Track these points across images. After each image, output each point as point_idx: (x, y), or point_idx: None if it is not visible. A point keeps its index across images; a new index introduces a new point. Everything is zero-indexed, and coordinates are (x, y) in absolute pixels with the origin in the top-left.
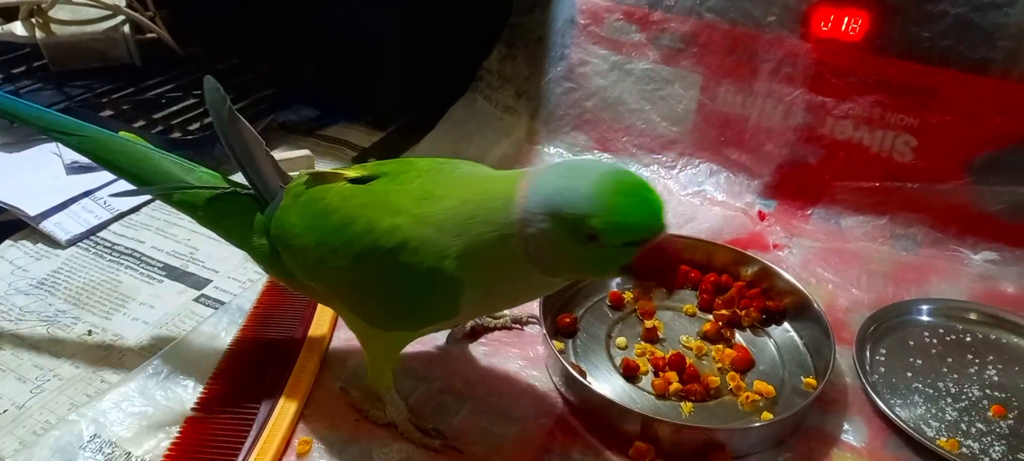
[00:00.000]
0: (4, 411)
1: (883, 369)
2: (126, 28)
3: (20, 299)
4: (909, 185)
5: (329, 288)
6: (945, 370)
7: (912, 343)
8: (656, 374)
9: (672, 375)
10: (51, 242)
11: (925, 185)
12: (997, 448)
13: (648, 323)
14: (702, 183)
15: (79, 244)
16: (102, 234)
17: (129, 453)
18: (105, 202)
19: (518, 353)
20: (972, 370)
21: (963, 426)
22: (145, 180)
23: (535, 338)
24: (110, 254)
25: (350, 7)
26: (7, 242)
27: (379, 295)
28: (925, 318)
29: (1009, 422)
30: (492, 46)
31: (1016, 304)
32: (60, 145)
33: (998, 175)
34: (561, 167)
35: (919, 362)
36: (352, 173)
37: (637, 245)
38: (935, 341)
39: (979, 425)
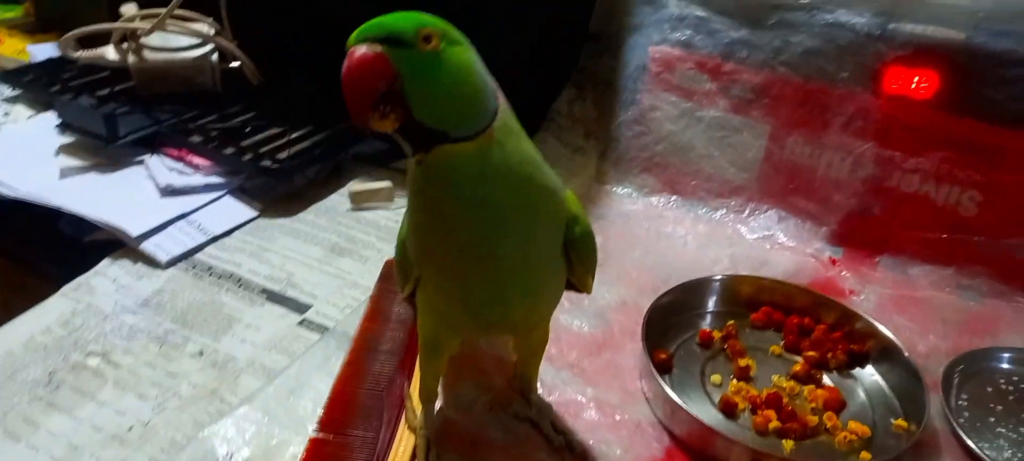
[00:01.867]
0: (130, 428)
1: (967, 414)
2: (214, 57)
3: (129, 318)
4: (974, 238)
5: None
6: None
7: (991, 390)
8: (754, 411)
9: (770, 413)
10: (151, 262)
11: (989, 239)
12: None
13: (742, 362)
14: (771, 228)
15: (178, 265)
16: (199, 256)
17: None
18: (200, 225)
19: (618, 387)
20: None
21: None
22: None
23: (628, 373)
24: (209, 276)
25: None
26: (106, 261)
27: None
28: (1005, 366)
29: None
30: (561, 89)
31: None
32: (152, 166)
33: None
34: None
35: (1000, 407)
36: None
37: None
38: (1011, 388)
39: None
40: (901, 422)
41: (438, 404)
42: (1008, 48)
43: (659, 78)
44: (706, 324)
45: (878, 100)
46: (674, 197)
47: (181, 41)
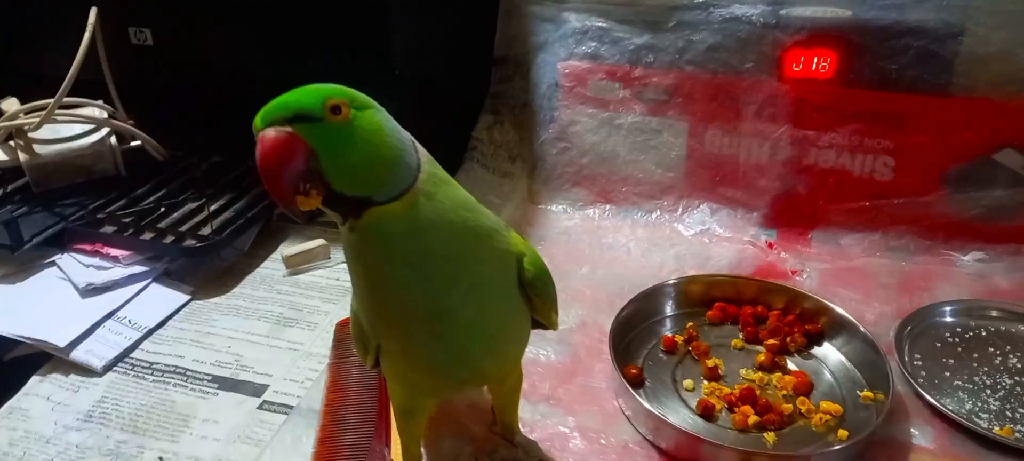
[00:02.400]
0: None
1: (924, 373)
2: (112, 140)
3: (74, 436)
4: (895, 201)
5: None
6: (975, 365)
7: (939, 345)
8: (731, 410)
9: (747, 409)
10: (84, 371)
11: (908, 199)
12: None
13: (709, 363)
14: (706, 222)
15: (115, 369)
16: (136, 354)
17: None
18: (130, 321)
19: (598, 410)
20: (997, 361)
21: (1008, 413)
22: None
23: (603, 394)
24: (151, 374)
25: None
26: (34, 378)
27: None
28: (948, 319)
29: None
30: (477, 117)
31: (1011, 296)
32: (66, 266)
33: (971, 184)
34: None
35: (951, 361)
36: None
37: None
38: (958, 340)
39: (1021, 410)
40: (868, 393)
41: None
42: (895, 20)
43: (573, 92)
44: (667, 330)
45: (784, 84)
46: (608, 206)
47: (72, 130)
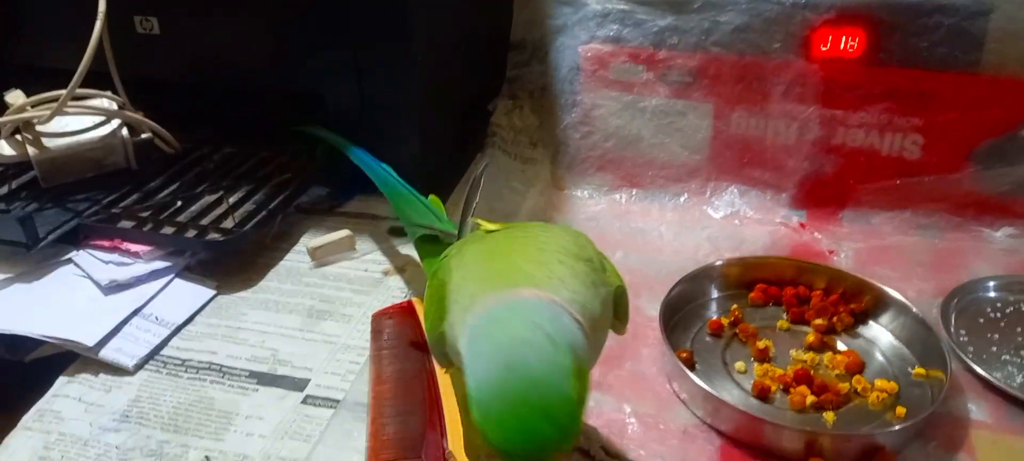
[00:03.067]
0: None
1: (971, 348)
2: (124, 132)
3: (112, 437)
4: (924, 179)
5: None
6: (1020, 339)
7: (982, 320)
8: (786, 391)
9: (803, 389)
10: (114, 371)
11: (937, 177)
12: None
13: (759, 344)
14: (735, 204)
15: (147, 367)
16: (166, 352)
17: None
18: (156, 318)
19: (651, 395)
20: None
21: None
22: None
23: (654, 379)
24: (185, 372)
25: (360, 85)
26: (62, 379)
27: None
28: (991, 294)
29: None
30: (495, 102)
31: None
32: (84, 264)
33: (999, 160)
34: (481, 333)
35: (996, 336)
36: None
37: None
38: (1001, 315)
39: None
40: (920, 370)
41: None
42: None
43: (595, 75)
44: (712, 313)
45: (812, 64)
46: (635, 190)
47: (82, 122)
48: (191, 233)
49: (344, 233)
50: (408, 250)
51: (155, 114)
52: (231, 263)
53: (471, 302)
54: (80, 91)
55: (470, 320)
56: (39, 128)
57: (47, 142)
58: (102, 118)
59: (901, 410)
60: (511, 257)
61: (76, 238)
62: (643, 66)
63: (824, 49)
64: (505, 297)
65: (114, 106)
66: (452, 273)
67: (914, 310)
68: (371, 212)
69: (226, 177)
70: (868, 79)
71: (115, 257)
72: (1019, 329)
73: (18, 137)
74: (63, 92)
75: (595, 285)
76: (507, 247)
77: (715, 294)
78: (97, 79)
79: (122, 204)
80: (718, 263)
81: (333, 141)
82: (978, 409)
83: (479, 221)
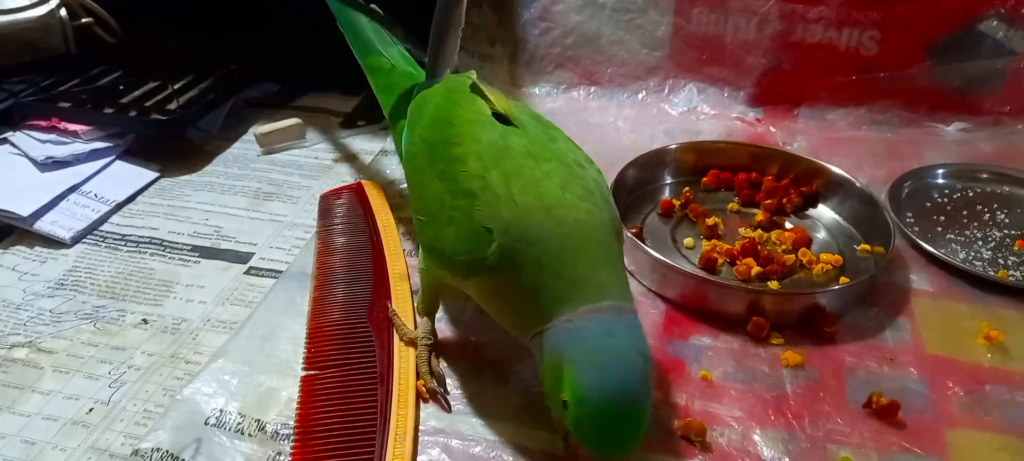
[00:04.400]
0: (90, 410)
1: (917, 228)
2: (63, 12)
3: (46, 302)
4: (880, 75)
5: (409, 184)
6: (965, 221)
7: (929, 204)
8: (733, 264)
9: (750, 261)
10: (51, 243)
11: (893, 72)
12: None
13: (709, 221)
14: (693, 101)
15: (85, 240)
16: (105, 228)
17: (259, 420)
18: (95, 195)
19: None
20: (986, 217)
21: (1000, 260)
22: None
23: None
24: (125, 245)
25: None
26: None
27: (431, 215)
28: (940, 181)
29: None
30: None
31: (994, 160)
32: (20, 142)
33: (955, 55)
34: (591, 348)
35: (943, 217)
36: (499, 106)
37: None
38: (948, 200)
39: (1012, 257)
40: (865, 246)
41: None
42: None
43: None
44: (664, 196)
45: None
46: (593, 88)
47: (18, 1)
48: (133, 113)
49: (293, 121)
50: (360, 143)
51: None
52: (176, 149)
53: (560, 299)
54: None
55: (568, 320)
56: None
57: None
58: None
59: (845, 280)
60: (592, 239)
61: (12, 120)
62: None
63: None
64: (604, 312)
65: None
66: (499, 166)
67: (860, 186)
68: (324, 106)
69: (170, 66)
70: None
71: (53, 137)
72: (965, 212)
73: None
74: None
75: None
76: (588, 216)
77: (669, 180)
78: None
79: (61, 88)
80: (672, 146)
81: None
82: (920, 279)
83: (482, 86)
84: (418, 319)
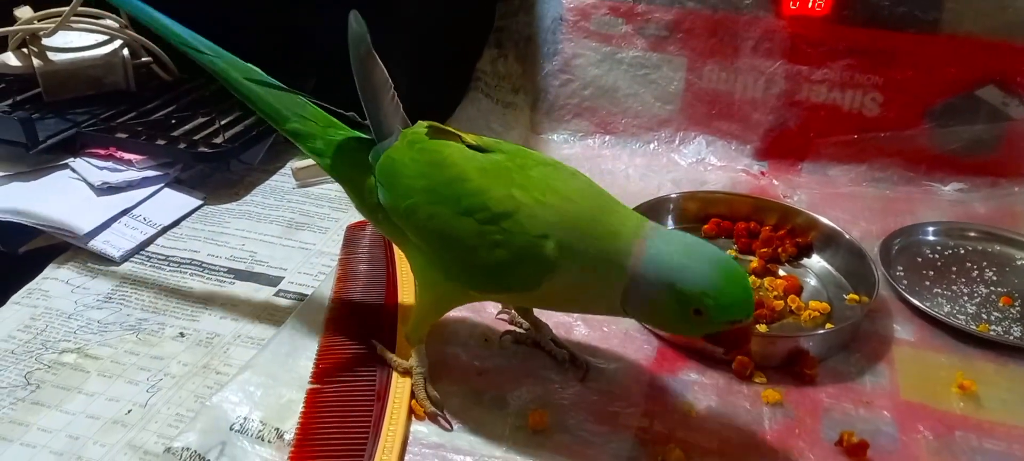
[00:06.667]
0: (128, 411)
1: (906, 281)
2: (125, 52)
3: (95, 313)
4: (881, 135)
5: (419, 233)
6: (953, 277)
7: (920, 260)
8: None
9: None
10: (102, 260)
11: (893, 133)
12: (1016, 328)
13: None
14: (702, 153)
15: (132, 260)
16: (151, 249)
17: (278, 429)
18: (144, 219)
19: None
20: (974, 274)
21: (984, 315)
22: (269, 111)
23: None
24: (168, 266)
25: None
26: (51, 266)
27: (468, 250)
28: (931, 238)
29: (1018, 308)
30: (481, 50)
31: (987, 221)
32: (79, 168)
33: (953, 119)
34: (678, 243)
35: (932, 273)
36: (470, 139)
37: (732, 323)
38: (938, 256)
39: (996, 313)
40: (853, 296)
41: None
42: None
43: (577, 27)
44: None
45: (781, 21)
46: (608, 137)
47: (86, 40)
48: (182, 145)
49: None
50: None
51: (156, 41)
52: (219, 179)
53: (619, 252)
54: (87, 9)
55: (637, 258)
56: (45, 42)
57: (51, 56)
58: (105, 37)
59: (830, 326)
60: (605, 198)
61: (74, 147)
62: (623, 19)
63: (793, 7)
64: (661, 230)
65: (116, 26)
66: (513, 184)
67: (851, 241)
68: None
69: (219, 104)
70: (832, 36)
71: (109, 164)
72: (954, 268)
73: (24, 51)
74: (68, 8)
75: None
76: (589, 189)
77: (671, 225)
78: (104, 4)
79: (119, 120)
80: (675, 195)
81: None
82: (903, 330)
83: (441, 126)
84: (413, 348)
